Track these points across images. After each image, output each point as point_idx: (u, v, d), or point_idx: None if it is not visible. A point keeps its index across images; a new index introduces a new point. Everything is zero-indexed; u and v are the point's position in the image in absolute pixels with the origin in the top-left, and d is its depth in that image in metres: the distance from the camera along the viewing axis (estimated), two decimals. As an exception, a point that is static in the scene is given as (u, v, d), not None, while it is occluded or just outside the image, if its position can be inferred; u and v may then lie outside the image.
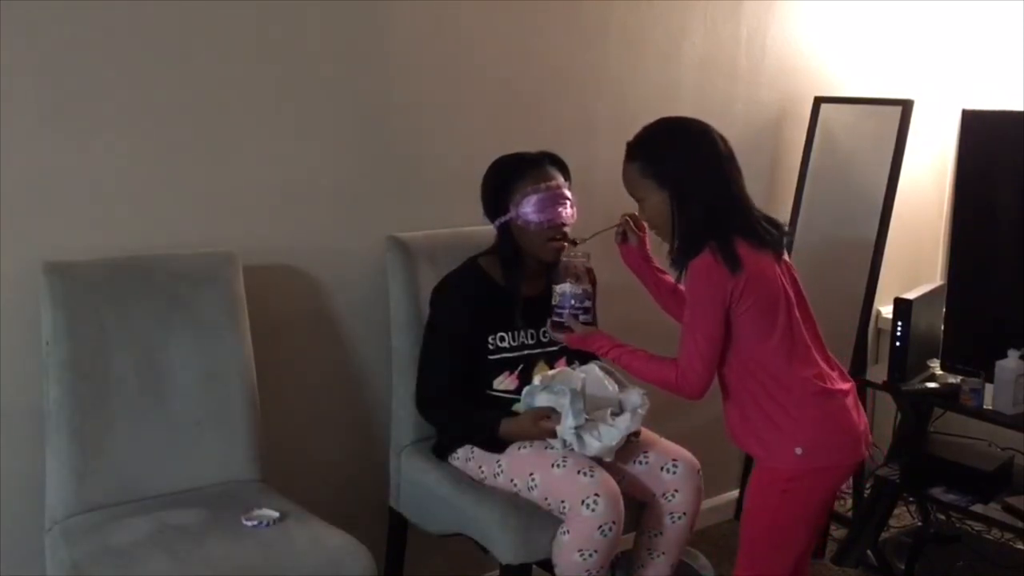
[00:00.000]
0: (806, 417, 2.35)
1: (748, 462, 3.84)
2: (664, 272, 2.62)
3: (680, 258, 2.36)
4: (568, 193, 2.64)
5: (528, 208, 2.58)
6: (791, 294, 2.39)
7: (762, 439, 2.40)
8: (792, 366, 2.35)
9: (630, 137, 3.44)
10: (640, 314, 3.45)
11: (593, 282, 2.60)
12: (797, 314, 2.38)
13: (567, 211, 2.63)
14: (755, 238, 2.34)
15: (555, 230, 2.62)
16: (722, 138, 2.40)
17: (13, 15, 2.31)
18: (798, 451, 2.34)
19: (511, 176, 2.62)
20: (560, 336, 2.58)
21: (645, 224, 2.58)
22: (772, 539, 2.44)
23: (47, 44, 2.38)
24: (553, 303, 2.57)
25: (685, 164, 2.35)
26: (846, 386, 2.43)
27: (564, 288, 2.55)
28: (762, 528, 2.44)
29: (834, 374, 2.42)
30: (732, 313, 2.31)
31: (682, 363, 2.35)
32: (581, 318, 2.54)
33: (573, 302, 2.54)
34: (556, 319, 2.56)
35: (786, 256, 2.47)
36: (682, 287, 2.47)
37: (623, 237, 2.66)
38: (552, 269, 2.71)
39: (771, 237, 2.38)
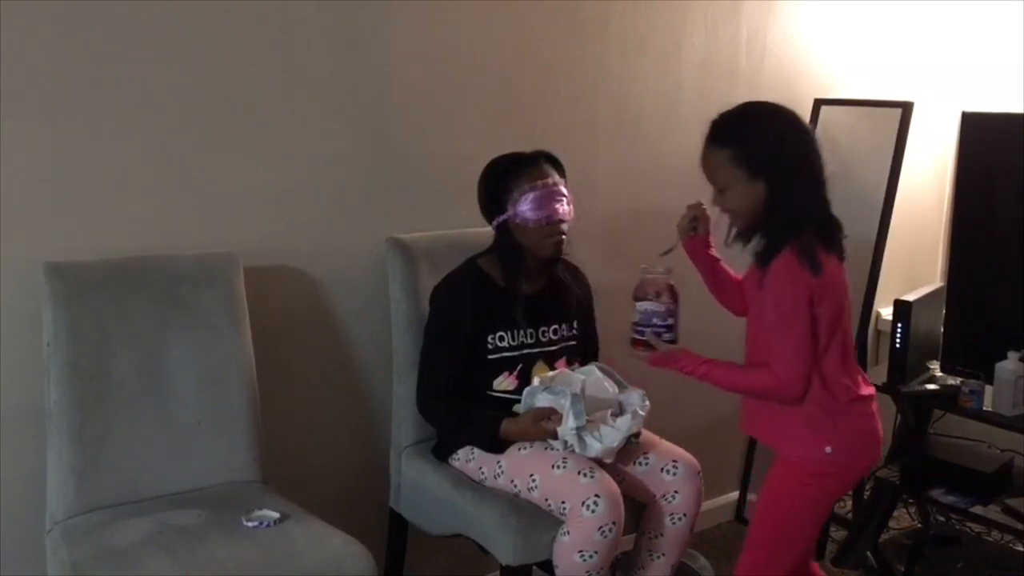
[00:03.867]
0: (842, 422, 2.36)
1: (748, 463, 3.84)
2: (720, 260, 2.62)
3: (766, 253, 2.30)
4: (564, 190, 2.64)
5: (525, 206, 2.58)
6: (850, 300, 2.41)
7: (793, 436, 2.39)
8: (840, 372, 2.36)
9: (630, 137, 3.45)
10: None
11: (675, 298, 2.48)
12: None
13: (564, 207, 2.63)
14: (830, 241, 2.33)
15: (553, 227, 2.62)
16: (809, 129, 2.37)
17: (13, 15, 2.31)
18: (828, 450, 2.35)
19: (507, 175, 2.62)
20: (641, 354, 2.47)
21: (707, 214, 2.53)
22: (785, 528, 2.45)
23: (47, 44, 2.37)
24: (633, 320, 2.47)
25: (786, 158, 2.29)
26: (872, 391, 2.46)
27: (646, 306, 2.45)
28: (776, 517, 2.46)
29: (860, 379, 2.44)
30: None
31: (780, 366, 2.30)
32: (664, 336, 2.44)
33: (656, 320, 2.44)
34: (637, 336, 2.46)
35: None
36: (739, 276, 2.54)
37: (693, 229, 2.57)
38: (552, 266, 2.72)
39: (839, 240, 2.38)
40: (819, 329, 2.30)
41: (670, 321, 2.45)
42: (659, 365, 2.46)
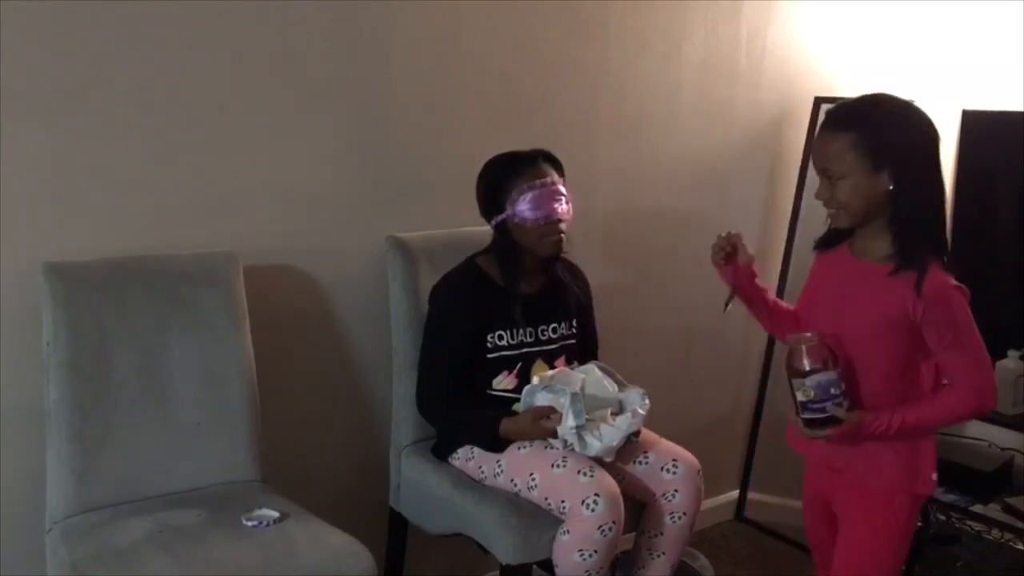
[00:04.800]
0: (931, 443, 2.31)
1: (748, 462, 3.84)
2: (768, 291, 2.53)
3: (912, 259, 2.16)
4: (563, 189, 2.64)
5: (524, 206, 2.58)
6: None
7: (894, 467, 2.27)
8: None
9: (630, 137, 3.46)
10: (637, 315, 3.47)
11: (836, 360, 2.20)
12: None
13: (563, 207, 2.63)
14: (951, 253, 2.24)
15: (552, 226, 2.62)
16: (936, 127, 2.20)
17: (13, 15, 2.31)
18: (934, 476, 2.29)
19: (505, 175, 2.62)
20: (824, 433, 2.20)
21: (744, 244, 2.40)
22: (893, 564, 2.34)
23: (47, 44, 2.38)
24: (802, 400, 2.18)
25: (918, 152, 2.15)
26: None
27: (819, 378, 2.16)
28: (885, 555, 2.32)
29: None
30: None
31: (977, 378, 2.18)
32: (845, 405, 2.18)
33: (833, 390, 2.16)
34: (817, 416, 2.18)
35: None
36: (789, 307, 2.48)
37: (726, 257, 2.43)
38: (551, 265, 2.72)
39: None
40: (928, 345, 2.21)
41: (843, 387, 2.18)
42: (849, 440, 2.25)
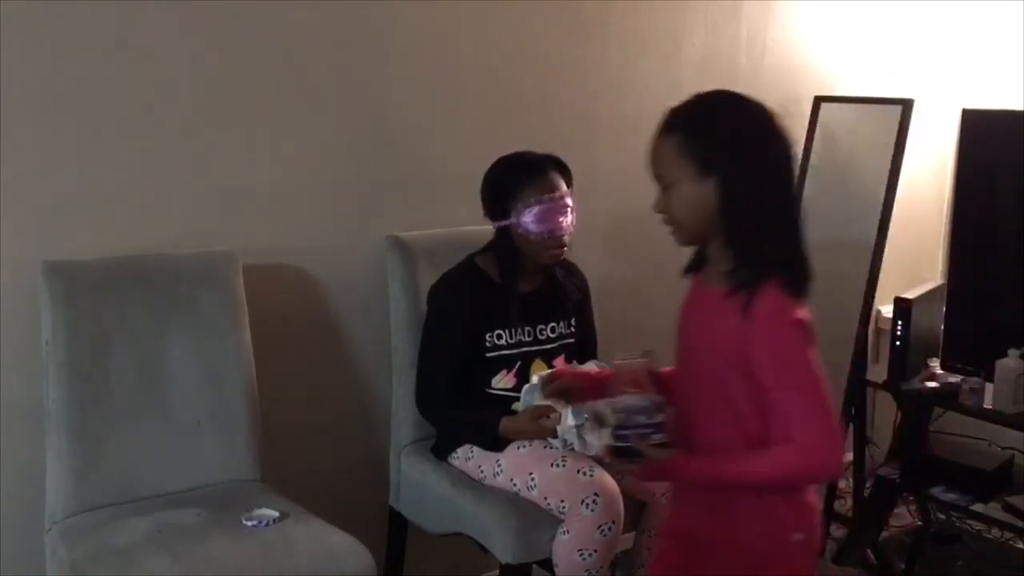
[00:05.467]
0: (802, 498, 1.89)
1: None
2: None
3: (744, 278, 1.80)
4: (569, 201, 2.64)
5: (529, 218, 2.58)
6: None
7: (748, 525, 1.87)
8: None
9: (630, 137, 3.44)
10: (636, 315, 3.46)
11: (659, 390, 1.89)
12: None
13: (568, 221, 2.63)
14: (802, 284, 1.84)
15: (555, 240, 2.62)
16: (786, 130, 1.88)
17: (13, 15, 2.31)
18: (797, 537, 1.87)
19: (514, 181, 2.62)
20: (629, 467, 1.91)
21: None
22: None
23: (47, 44, 2.38)
24: (613, 424, 1.85)
25: (748, 153, 1.81)
26: None
27: (625, 401, 1.85)
28: None
29: None
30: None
31: (810, 434, 1.74)
32: (654, 438, 1.81)
33: (640, 418, 1.83)
34: (619, 444, 1.84)
35: None
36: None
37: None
38: (551, 270, 2.72)
39: (807, 288, 1.87)
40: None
41: (659, 418, 1.82)
42: (653, 479, 1.98)
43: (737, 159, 1.80)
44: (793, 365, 1.76)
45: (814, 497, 1.92)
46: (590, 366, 2.64)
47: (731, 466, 1.82)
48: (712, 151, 1.80)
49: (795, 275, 1.81)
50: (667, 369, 1.99)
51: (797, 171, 1.89)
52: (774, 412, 1.77)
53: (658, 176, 1.89)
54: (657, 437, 1.82)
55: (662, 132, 1.88)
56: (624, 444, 1.83)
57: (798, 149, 1.90)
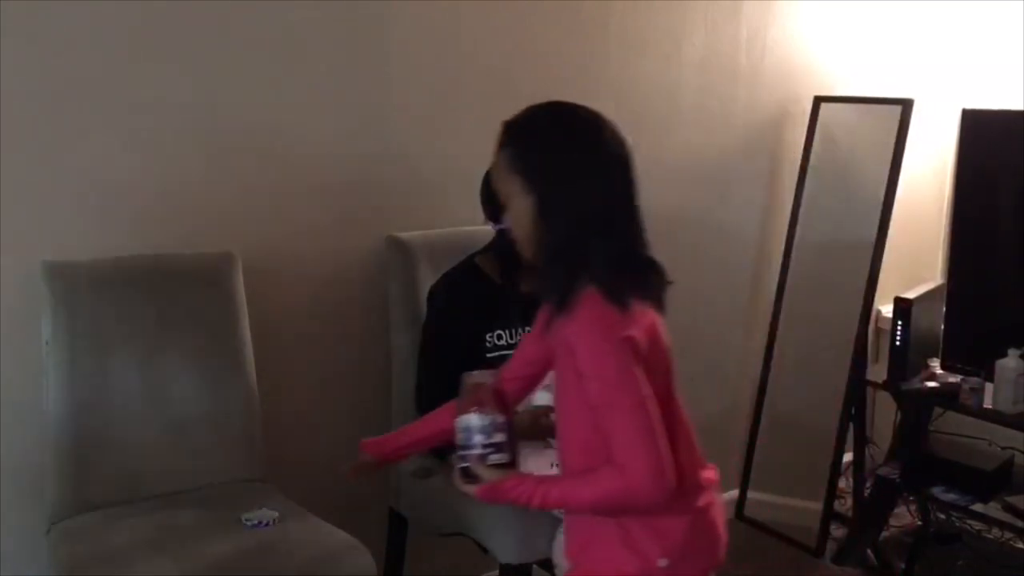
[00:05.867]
0: (676, 521, 1.81)
1: (748, 461, 3.84)
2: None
3: (553, 297, 1.76)
4: None
5: None
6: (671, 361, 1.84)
7: (607, 551, 1.82)
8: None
9: (630, 137, 3.44)
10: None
11: (505, 407, 1.86)
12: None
13: None
14: (645, 286, 1.82)
15: None
16: (618, 138, 1.82)
17: (13, 15, 2.31)
18: (662, 563, 1.79)
19: None
20: (468, 489, 1.83)
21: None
22: None
23: (47, 44, 2.38)
24: (457, 443, 1.85)
25: (564, 167, 1.77)
26: (713, 477, 1.94)
27: (466, 420, 1.82)
28: None
29: (696, 463, 1.91)
30: None
31: (630, 459, 1.68)
32: (491, 459, 1.79)
33: (478, 438, 1.80)
34: (460, 464, 1.84)
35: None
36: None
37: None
38: None
39: (657, 286, 1.85)
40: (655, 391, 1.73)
41: (498, 438, 1.80)
42: (489, 499, 1.82)
43: (553, 173, 1.77)
44: (612, 383, 1.70)
45: (679, 520, 1.81)
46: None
47: (557, 489, 1.78)
48: (532, 165, 1.78)
49: (617, 286, 1.73)
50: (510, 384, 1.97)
51: (630, 181, 1.82)
52: (600, 430, 1.71)
53: (499, 191, 1.88)
54: (495, 458, 1.79)
55: (498, 147, 1.86)
56: (462, 466, 1.82)
57: (629, 156, 1.83)
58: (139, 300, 2.44)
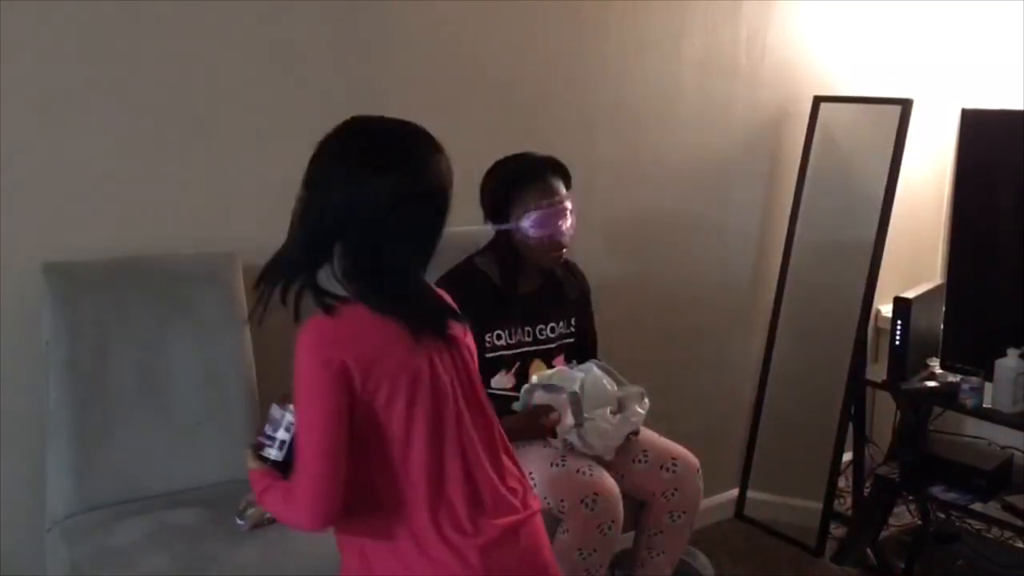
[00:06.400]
0: (400, 543, 1.73)
1: (748, 460, 3.85)
2: None
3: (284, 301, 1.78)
4: (569, 204, 2.64)
5: (528, 223, 2.58)
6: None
7: (348, 562, 1.81)
8: (423, 502, 1.71)
9: (630, 137, 3.45)
10: (636, 314, 3.47)
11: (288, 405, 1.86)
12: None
13: (567, 224, 2.63)
14: (393, 299, 1.76)
15: (554, 244, 2.62)
16: (408, 162, 1.84)
17: (13, 16, 2.32)
18: None
19: (514, 185, 2.62)
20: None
21: None
22: None
23: (47, 44, 2.38)
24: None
25: (316, 168, 1.83)
26: (506, 523, 1.76)
27: (271, 410, 1.88)
28: None
29: (460, 524, 1.73)
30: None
31: (293, 476, 1.71)
32: (266, 451, 1.81)
33: (269, 429, 1.85)
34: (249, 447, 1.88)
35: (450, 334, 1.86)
36: None
37: None
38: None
39: (413, 300, 1.80)
40: (380, 421, 1.69)
41: (280, 435, 1.82)
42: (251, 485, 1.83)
43: (312, 176, 1.81)
44: (299, 400, 1.70)
45: (411, 546, 1.72)
46: (589, 366, 2.65)
47: (262, 488, 1.77)
48: (306, 179, 1.81)
49: (328, 300, 1.74)
50: None
51: (393, 205, 1.76)
52: None
53: None
54: (271, 452, 1.81)
55: None
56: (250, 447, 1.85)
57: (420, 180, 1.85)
58: (139, 300, 2.44)
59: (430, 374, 1.74)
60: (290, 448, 1.78)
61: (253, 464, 1.80)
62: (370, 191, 1.74)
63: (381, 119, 1.89)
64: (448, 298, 1.89)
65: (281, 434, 1.82)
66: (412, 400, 1.70)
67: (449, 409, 1.75)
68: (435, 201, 1.83)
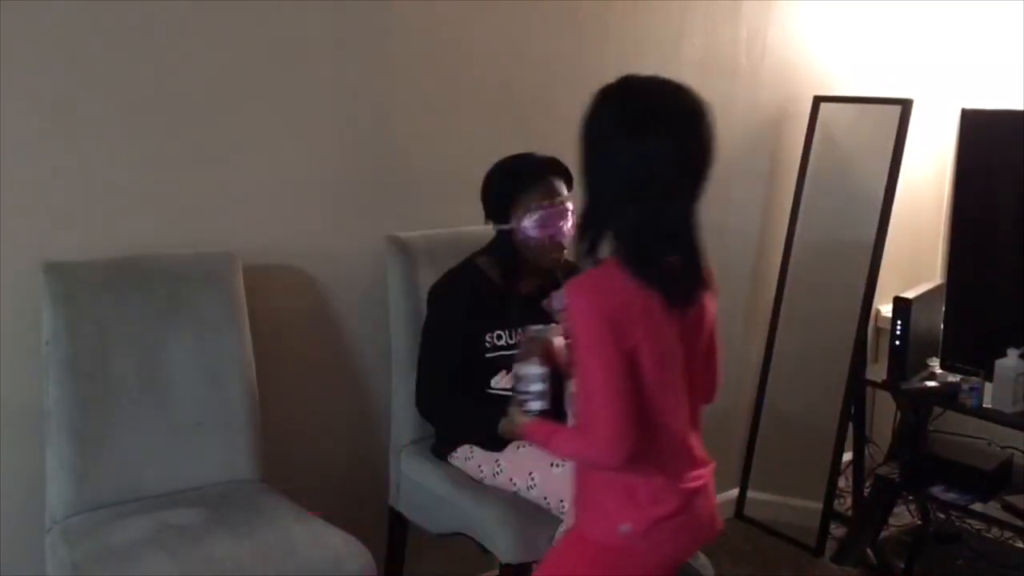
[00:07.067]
0: (631, 491, 1.87)
1: (748, 460, 3.85)
2: None
3: (582, 258, 1.87)
4: (570, 205, 2.64)
5: (530, 223, 2.58)
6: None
7: (589, 503, 1.93)
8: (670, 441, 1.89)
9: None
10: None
11: (550, 359, 2.05)
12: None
13: (568, 225, 2.63)
14: (661, 262, 1.84)
15: (555, 245, 2.62)
16: (684, 123, 1.84)
17: (13, 15, 2.31)
18: (624, 529, 1.87)
19: (515, 185, 2.62)
20: (509, 428, 2.16)
21: None
22: None
23: (47, 44, 2.38)
24: (513, 386, 2.12)
25: (597, 131, 1.86)
26: (699, 484, 1.95)
27: (521, 370, 2.07)
28: None
29: (694, 461, 1.95)
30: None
31: (583, 418, 1.83)
32: (530, 405, 2.02)
33: (523, 386, 2.04)
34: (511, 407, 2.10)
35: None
36: None
37: None
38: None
39: (687, 277, 1.88)
40: (642, 370, 1.79)
41: (536, 387, 2.02)
42: (523, 438, 2.10)
43: (595, 140, 1.85)
44: (585, 345, 1.78)
45: (655, 501, 1.86)
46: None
47: (554, 441, 1.90)
48: (583, 131, 1.86)
49: (636, 259, 1.80)
50: None
51: (682, 165, 1.82)
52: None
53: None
54: (533, 404, 2.01)
55: None
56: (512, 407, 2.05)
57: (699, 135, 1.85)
58: (138, 300, 2.44)
59: (680, 331, 1.85)
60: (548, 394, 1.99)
61: (522, 419, 2.00)
62: (652, 153, 1.79)
63: (652, 79, 1.93)
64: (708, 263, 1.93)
65: (539, 386, 2.01)
66: (665, 353, 1.82)
67: (688, 367, 1.89)
68: (708, 160, 1.85)
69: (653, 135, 1.80)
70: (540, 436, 1.95)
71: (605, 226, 1.82)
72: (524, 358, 2.06)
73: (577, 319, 1.79)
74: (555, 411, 2.03)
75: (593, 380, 1.78)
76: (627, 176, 1.79)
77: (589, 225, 1.84)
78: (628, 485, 1.86)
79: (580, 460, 1.92)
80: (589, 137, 1.85)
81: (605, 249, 1.82)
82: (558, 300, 2.06)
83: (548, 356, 2.05)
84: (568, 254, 2.71)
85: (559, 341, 2.05)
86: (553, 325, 2.16)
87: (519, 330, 2.68)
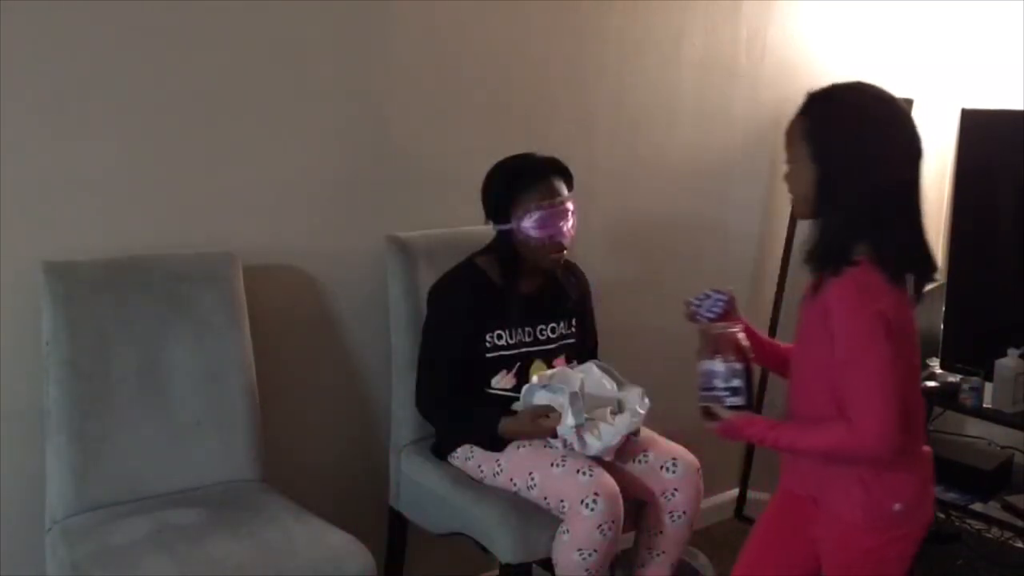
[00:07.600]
0: (909, 476, 2.05)
1: (748, 460, 3.84)
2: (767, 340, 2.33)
3: (824, 261, 1.99)
4: (570, 206, 2.64)
5: (530, 223, 2.58)
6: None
7: (848, 492, 2.04)
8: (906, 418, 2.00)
9: (630, 137, 3.45)
10: (637, 314, 3.47)
11: (743, 356, 2.10)
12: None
13: (568, 226, 2.63)
14: (914, 264, 2.01)
15: (555, 245, 2.62)
16: (911, 129, 1.98)
17: (13, 15, 2.31)
18: (896, 507, 2.02)
19: (516, 185, 2.62)
20: (710, 425, 2.13)
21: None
22: None
23: (47, 44, 2.38)
24: (699, 385, 2.13)
25: (853, 147, 1.94)
26: (929, 450, 2.14)
27: (705, 366, 2.10)
28: None
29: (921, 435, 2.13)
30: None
31: (862, 416, 1.90)
32: (728, 402, 2.08)
33: (716, 382, 2.09)
34: (701, 404, 2.12)
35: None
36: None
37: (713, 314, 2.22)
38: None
39: (923, 275, 2.03)
40: (905, 362, 1.95)
41: (735, 383, 2.08)
42: (726, 436, 2.13)
43: (840, 152, 1.95)
44: (859, 343, 1.90)
45: (911, 471, 2.04)
46: (589, 366, 2.65)
47: (788, 434, 2.05)
48: (823, 140, 1.97)
49: (892, 263, 1.93)
50: (769, 340, 2.32)
51: (915, 172, 1.97)
52: (838, 387, 1.93)
53: (787, 153, 2.05)
54: (732, 400, 2.08)
55: (796, 114, 2.04)
56: (703, 404, 2.11)
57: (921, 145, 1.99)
58: (139, 300, 2.44)
59: (912, 329, 2.01)
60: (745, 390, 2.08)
61: (728, 415, 2.07)
62: (894, 161, 1.95)
63: (864, 84, 2.05)
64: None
65: (735, 383, 2.08)
66: (917, 344, 2.03)
67: (916, 357, 2.06)
68: (922, 155, 1.99)
69: (896, 147, 1.97)
70: (758, 430, 2.08)
71: (866, 235, 1.94)
72: (709, 355, 2.10)
73: (847, 318, 1.91)
74: (749, 405, 2.11)
75: (866, 376, 1.89)
76: (889, 188, 1.94)
77: (844, 236, 1.95)
78: (891, 465, 1.97)
79: (840, 454, 1.99)
80: (831, 147, 1.96)
81: (855, 251, 1.94)
82: (708, 307, 2.19)
83: (739, 352, 2.10)
84: (568, 254, 2.72)
85: (742, 336, 2.12)
86: (736, 322, 2.19)
87: (519, 330, 2.69)
